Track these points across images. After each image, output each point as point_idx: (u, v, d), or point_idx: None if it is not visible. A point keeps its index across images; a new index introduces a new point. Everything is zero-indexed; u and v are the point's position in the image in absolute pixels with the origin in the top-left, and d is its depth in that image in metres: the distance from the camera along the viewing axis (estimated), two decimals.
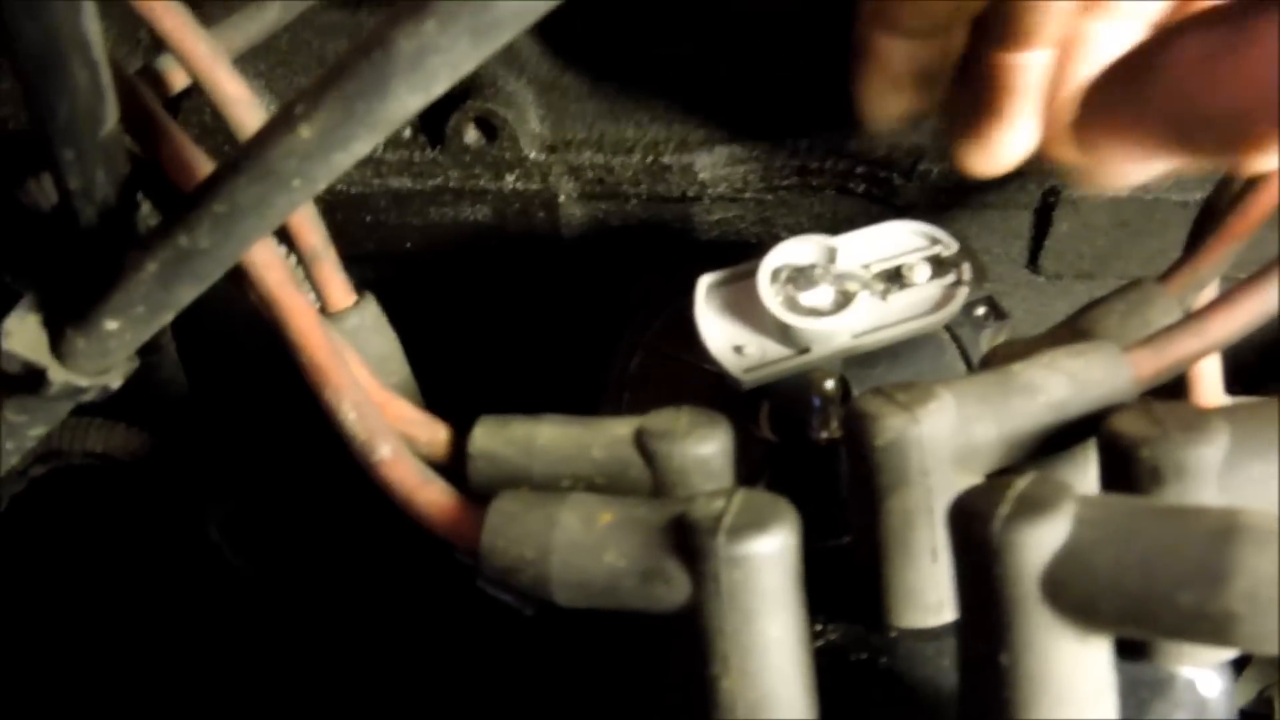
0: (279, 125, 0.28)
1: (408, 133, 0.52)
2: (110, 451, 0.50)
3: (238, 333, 0.47)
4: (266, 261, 0.33)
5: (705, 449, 0.33)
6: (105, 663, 0.54)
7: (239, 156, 0.29)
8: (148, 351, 0.48)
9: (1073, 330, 0.37)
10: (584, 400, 0.50)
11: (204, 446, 0.51)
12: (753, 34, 0.49)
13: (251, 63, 0.50)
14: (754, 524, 0.28)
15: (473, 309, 0.57)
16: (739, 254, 0.44)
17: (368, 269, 0.56)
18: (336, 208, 0.53)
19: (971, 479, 0.32)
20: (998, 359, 0.36)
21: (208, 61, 0.36)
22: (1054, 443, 0.32)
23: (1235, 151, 0.29)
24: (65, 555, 0.54)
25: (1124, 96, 0.30)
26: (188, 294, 0.31)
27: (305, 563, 0.54)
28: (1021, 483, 0.26)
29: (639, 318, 0.49)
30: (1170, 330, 0.33)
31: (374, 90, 0.27)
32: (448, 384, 0.53)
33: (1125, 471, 0.29)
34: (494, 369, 0.57)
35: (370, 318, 0.43)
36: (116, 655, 0.54)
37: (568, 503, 0.30)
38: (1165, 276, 0.39)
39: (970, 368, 0.48)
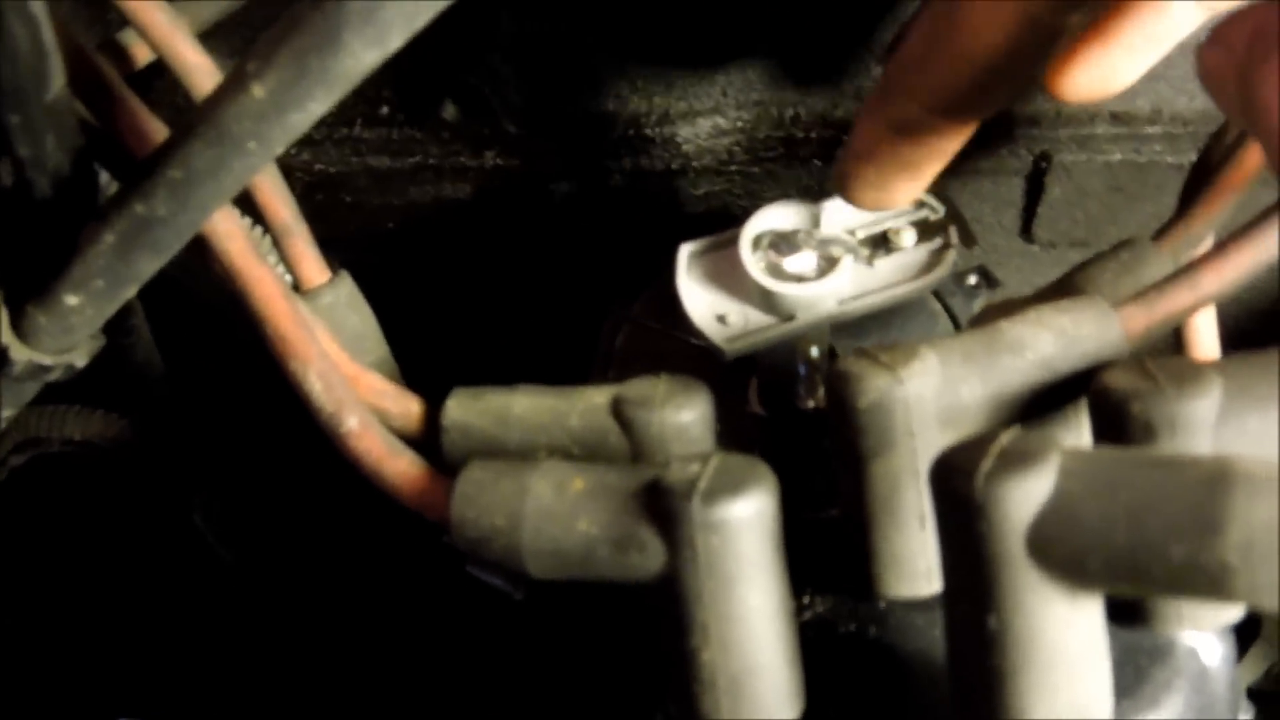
0: (231, 86, 0.27)
1: (385, 109, 0.51)
2: (90, 439, 0.49)
3: (215, 314, 0.46)
4: (228, 231, 0.32)
5: (684, 416, 0.32)
6: (90, 652, 0.54)
7: (193, 120, 0.28)
8: (119, 334, 0.47)
9: (1064, 289, 0.36)
10: (570, 379, 0.49)
11: (185, 432, 0.51)
12: (734, 3, 0.48)
13: (225, 40, 0.49)
14: (730, 487, 0.27)
15: (458, 288, 0.56)
16: (726, 227, 0.43)
17: (351, 250, 0.55)
18: (316, 188, 0.53)
19: (956, 439, 0.31)
20: (986, 318, 0.35)
21: (166, 29, 0.35)
22: (1044, 401, 0.31)
23: None
24: (48, 544, 0.53)
25: None
26: (148, 266, 0.30)
27: (291, 550, 0.53)
28: (1005, 438, 0.25)
29: (624, 292, 0.48)
30: (1161, 284, 0.32)
31: (326, 45, 0.26)
32: (433, 365, 0.52)
33: (1117, 428, 0.28)
34: (480, 348, 0.56)
35: (345, 295, 0.42)
36: (102, 644, 0.54)
37: (539, 470, 0.29)
38: (1159, 234, 0.38)
39: None
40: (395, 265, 0.54)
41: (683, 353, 0.45)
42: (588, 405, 0.33)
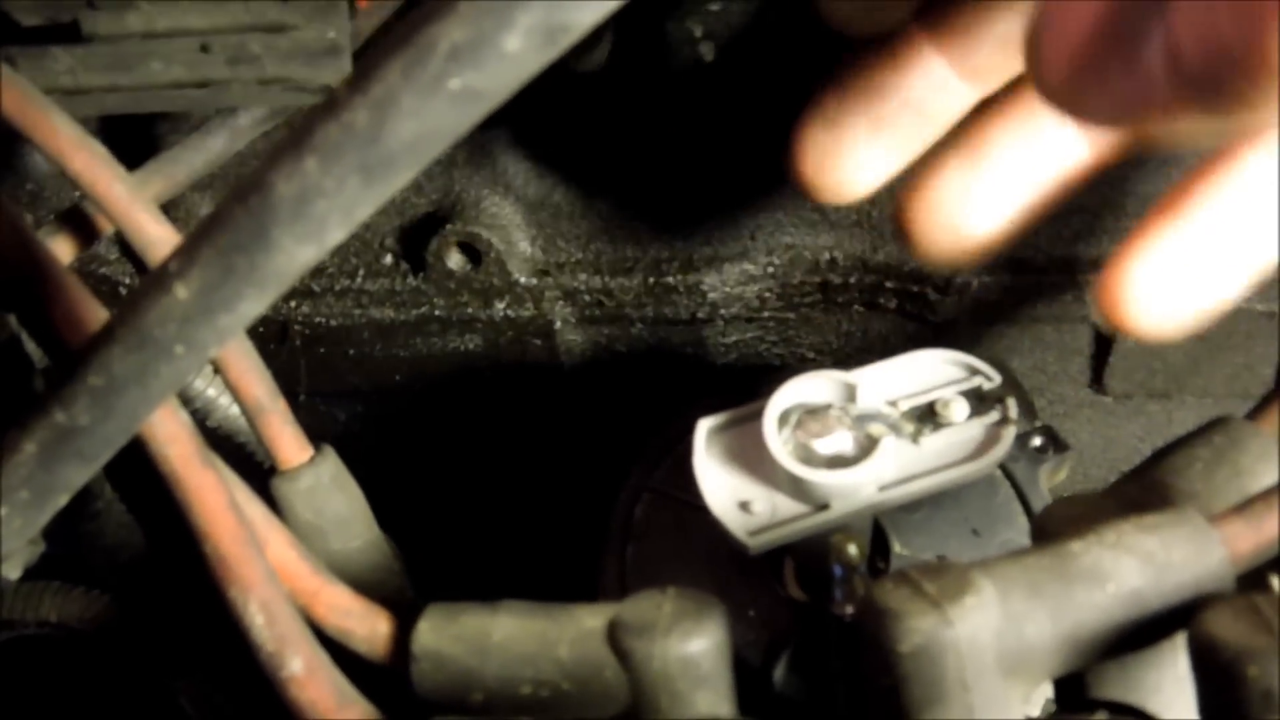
0: (152, 287, 0.24)
1: (388, 259, 0.48)
2: (66, 620, 0.45)
3: None
4: (169, 434, 0.28)
5: (692, 647, 0.27)
6: None
7: (113, 323, 0.25)
8: (83, 520, 0.43)
9: (1146, 485, 0.30)
10: (584, 548, 0.45)
11: (170, 612, 0.46)
12: (761, 140, 0.44)
13: (217, 191, 0.47)
14: None
15: (466, 446, 0.52)
16: (759, 378, 0.39)
17: (355, 405, 0.51)
18: (317, 341, 0.49)
19: (1024, 690, 0.26)
20: (1053, 524, 0.29)
21: (124, 203, 0.32)
22: (1128, 643, 0.25)
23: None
24: None
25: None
26: (76, 475, 0.27)
27: None
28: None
29: (645, 457, 0.44)
30: (1271, 494, 0.26)
31: (254, 242, 0.23)
32: (438, 528, 0.48)
33: (1227, 691, 0.23)
34: (489, 511, 0.51)
35: (328, 475, 0.38)
36: None
37: None
38: (1257, 411, 0.32)
39: (1028, 511, 0.41)
40: (399, 421, 0.51)
41: (708, 528, 0.40)
42: (579, 632, 0.28)
